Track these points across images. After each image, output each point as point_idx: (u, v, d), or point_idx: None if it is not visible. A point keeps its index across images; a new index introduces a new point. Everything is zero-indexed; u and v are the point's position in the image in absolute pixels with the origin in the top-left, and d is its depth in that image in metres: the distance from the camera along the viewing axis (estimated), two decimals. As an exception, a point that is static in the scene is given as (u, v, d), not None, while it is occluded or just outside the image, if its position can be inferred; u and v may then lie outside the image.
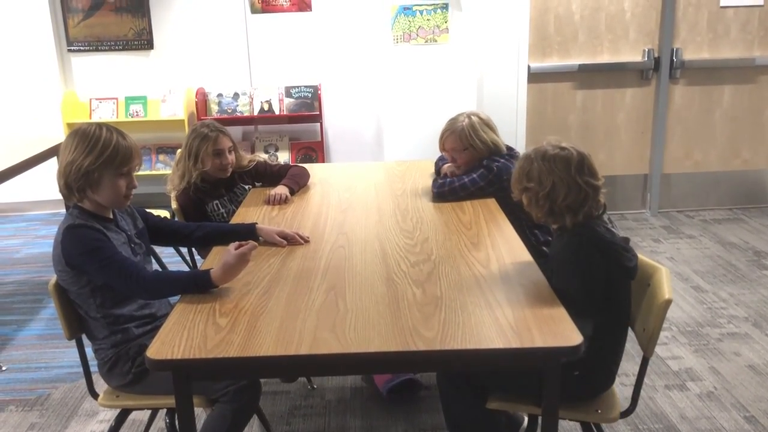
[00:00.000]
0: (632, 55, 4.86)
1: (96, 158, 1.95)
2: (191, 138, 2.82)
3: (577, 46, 4.84)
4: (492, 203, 2.70)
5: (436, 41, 4.70)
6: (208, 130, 2.81)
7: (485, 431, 2.04)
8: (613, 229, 1.89)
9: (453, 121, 2.82)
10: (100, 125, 2.01)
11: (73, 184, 1.97)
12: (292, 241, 2.31)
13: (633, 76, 4.90)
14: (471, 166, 2.80)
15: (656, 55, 4.83)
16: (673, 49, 4.80)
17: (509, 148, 2.88)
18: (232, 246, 1.96)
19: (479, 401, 1.98)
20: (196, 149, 2.79)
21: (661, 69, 4.82)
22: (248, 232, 2.34)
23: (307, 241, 2.32)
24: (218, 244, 2.33)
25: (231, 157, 2.85)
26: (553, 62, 4.85)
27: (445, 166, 2.94)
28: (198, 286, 1.91)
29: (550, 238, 2.65)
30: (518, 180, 1.97)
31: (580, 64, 4.83)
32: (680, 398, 2.72)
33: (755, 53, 4.86)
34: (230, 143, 2.85)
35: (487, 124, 2.82)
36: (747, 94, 4.94)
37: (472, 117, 2.80)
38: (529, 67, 4.78)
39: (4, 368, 3.11)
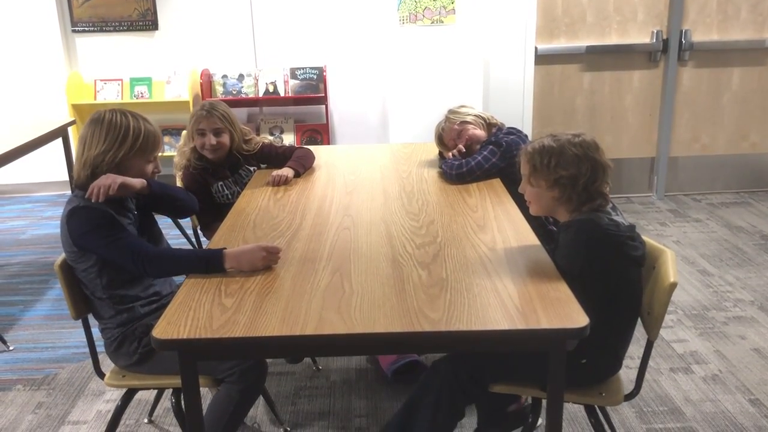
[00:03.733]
0: (640, 36, 4.81)
1: (130, 148, 1.99)
2: (191, 113, 2.85)
3: (585, 27, 4.79)
4: (498, 185, 2.70)
5: (442, 22, 4.65)
6: (201, 108, 2.81)
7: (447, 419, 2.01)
8: (617, 218, 1.88)
9: (438, 123, 3.02)
10: (123, 112, 2.03)
11: (101, 174, 1.98)
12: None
13: (641, 58, 4.86)
14: (478, 144, 2.84)
15: (665, 36, 4.79)
16: (682, 31, 4.75)
17: (515, 128, 2.88)
18: (263, 242, 1.97)
19: (480, 392, 1.98)
20: (190, 125, 2.82)
21: (669, 51, 4.78)
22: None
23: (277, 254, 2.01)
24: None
25: (214, 140, 2.78)
26: (560, 44, 4.81)
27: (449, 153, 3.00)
28: (209, 266, 1.90)
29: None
30: (547, 171, 1.88)
31: (587, 46, 4.79)
32: (685, 381, 2.72)
33: (765, 35, 4.81)
34: (218, 125, 2.78)
35: (462, 106, 3.02)
36: (756, 76, 4.89)
37: (449, 108, 3.01)
38: (536, 48, 4.74)
39: (11, 348, 3.13)
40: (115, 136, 1.98)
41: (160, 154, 2.13)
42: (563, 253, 1.90)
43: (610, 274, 1.84)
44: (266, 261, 1.92)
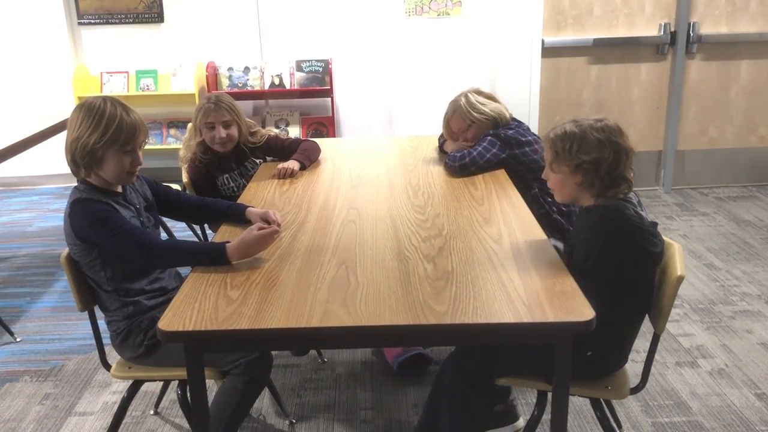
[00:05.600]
0: (648, 29, 4.78)
1: (101, 136, 1.92)
2: (196, 107, 2.83)
3: (592, 19, 4.76)
4: (504, 178, 2.69)
5: (448, 14, 4.64)
6: (207, 101, 2.79)
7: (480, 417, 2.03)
8: (641, 212, 1.86)
9: (453, 102, 2.90)
10: (105, 99, 1.97)
11: (79, 161, 1.96)
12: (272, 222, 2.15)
13: (648, 50, 4.83)
14: (479, 138, 2.82)
15: (672, 29, 4.75)
16: (690, 24, 4.71)
17: (516, 120, 2.87)
18: (255, 226, 1.97)
19: (487, 391, 1.98)
20: (197, 119, 2.80)
21: (677, 44, 4.75)
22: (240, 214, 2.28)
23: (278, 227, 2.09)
24: (209, 222, 2.34)
25: (224, 132, 2.77)
26: (567, 36, 4.78)
27: (446, 143, 3.02)
28: (213, 259, 1.91)
29: (564, 208, 2.63)
30: (569, 157, 1.87)
31: (594, 39, 4.76)
32: (691, 375, 2.71)
33: (774, 28, 4.77)
34: (227, 117, 2.77)
35: (488, 97, 2.90)
36: (765, 69, 4.85)
37: (469, 95, 2.88)
38: (543, 41, 4.72)
39: (18, 339, 3.15)
40: (89, 122, 1.92)
41: (143, 146, 2.03)
42: (581, 237, 1.87)
43: (626, 266, 1.81)
44: (267, 241, 1.93)
